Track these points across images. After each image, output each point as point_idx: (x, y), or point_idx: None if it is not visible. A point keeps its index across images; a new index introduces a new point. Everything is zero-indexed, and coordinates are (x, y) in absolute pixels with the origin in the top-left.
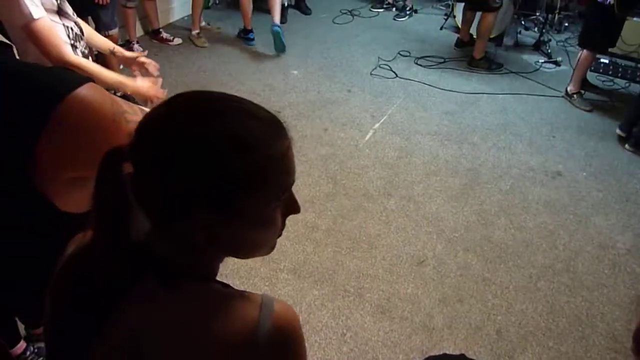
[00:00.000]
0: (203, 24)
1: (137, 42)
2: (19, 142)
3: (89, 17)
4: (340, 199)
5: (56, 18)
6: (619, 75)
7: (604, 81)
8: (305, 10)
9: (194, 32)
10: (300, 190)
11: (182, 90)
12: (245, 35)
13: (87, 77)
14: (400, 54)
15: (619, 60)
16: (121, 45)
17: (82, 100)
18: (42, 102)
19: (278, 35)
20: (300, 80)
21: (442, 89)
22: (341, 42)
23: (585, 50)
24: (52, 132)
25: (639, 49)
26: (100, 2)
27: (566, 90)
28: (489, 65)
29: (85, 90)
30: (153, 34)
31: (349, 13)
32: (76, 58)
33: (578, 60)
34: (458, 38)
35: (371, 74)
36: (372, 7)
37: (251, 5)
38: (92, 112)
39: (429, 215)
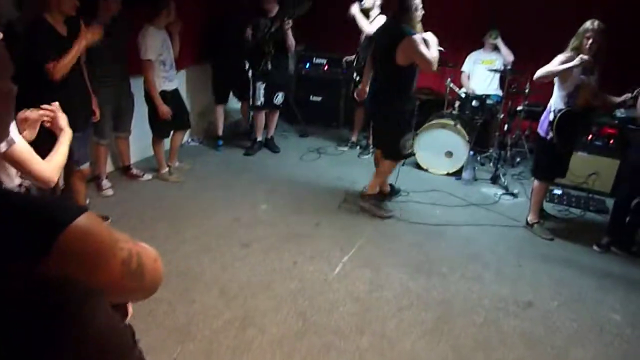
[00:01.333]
0: (177, 164)
1: (107, 178)
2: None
3: None
4: (310, 338)
5: None
6: (573, 205)
7: (560, 211)
8: (274, 149)
9: (163, 171)
10: (268, 328)
11: (148, 227)
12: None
13: (84, 207)
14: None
15: (571, 191)
16: (89, 180)
17: (82, 229)
18: (43, 232)
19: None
20: (269, 214)
21: (407, 221)
22: (309, 178)
23: (536, 181)
24: (51, 261)
25: (588, 180)
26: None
27: (526, 221)
28: (375, 205)
29: (84, 220)
30: (124, 170)
31: (315, 151)
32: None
33: (532, 191)
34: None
35: (338, 207)
36: (337, 145)
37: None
38: (92, 241)
39: (404, 353)
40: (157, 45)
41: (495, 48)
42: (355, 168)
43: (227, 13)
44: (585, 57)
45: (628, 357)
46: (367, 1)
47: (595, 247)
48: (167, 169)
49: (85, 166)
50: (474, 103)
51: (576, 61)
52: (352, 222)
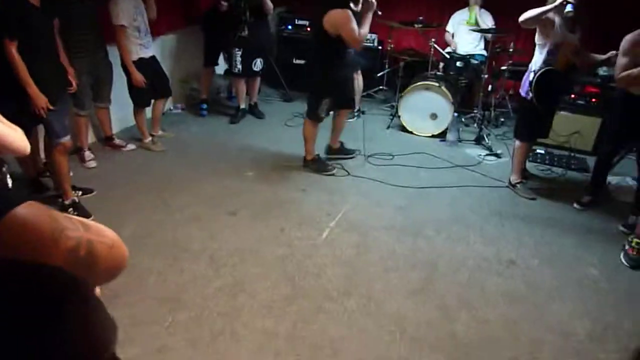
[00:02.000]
0: (160, 132)
1: (89, 149)
2: None
3: (40, 125)
4: (300, 302)
5: None
6: (555, 164)
7: (542, 170)
8: (259, 115)
9: (146, 141)
10: (258, 294)
11: (135, 199)
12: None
13: (24, 196)
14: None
15: (554, 151)
16: (72, 153)
17: (19, 219)
18: None
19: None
20: (256, 181)
21: (393, 185)
22: (294, 143)
23: (518, 142)
24: None
25: (570, 139)
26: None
27: (509, 181)
28: (317, 167)
29: (22, 210)
30: (106, 141)
31: (300, 116)
32: None
33: (514, 151)
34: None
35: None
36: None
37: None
38: (30, 231)
39: (390, 314)
40: (129, 10)
41: (479, 8)
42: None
43: None
44: None
45: (604, 308)
46: None
47: (575, 205)
48: (150, 138)
49: (66, 139)
50: (458, 64)
51: (558, 1)
52: (338, 185)
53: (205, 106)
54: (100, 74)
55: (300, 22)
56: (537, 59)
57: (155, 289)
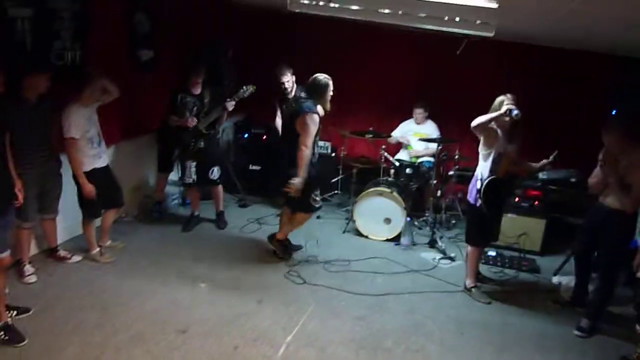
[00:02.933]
0: (108, 242)
1: (30, 263)
2: None
3: None
4: None
5: None
6: (507, 265)
7: (495, 272)
8: (220, 224)
9: (94, 252)
10: None
11: (76, 317)
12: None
13: None
14: (308, 260)
15: (505, 252)
16: (10, 266)
17: None
18: None
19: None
20: (209, 292)
21: (350, 292)
22: (250, 250)
23: (469, 247)
24: None
25: (519, 240)
26: None
27: (464, 285)
28: (283, 250)
29: None
30: (50, 252)
31: (256, 222)
32: None
33: (466, 255)
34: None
35: (280, 281)
36: (277, 214)
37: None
38: None
39: None
40: (81, 122)
41: (425, 120)
42: (296, 237)
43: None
44: (512, 105)
45: None
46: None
47: (576, 332)
48: (97, 249)
49: (5, 255)
50: (408, 170)
51: (504, 108)
52: (295, 297)
53: (158, 212)
54: (48, 185)
55: (257, 131)
56: (483, 168)
57: None
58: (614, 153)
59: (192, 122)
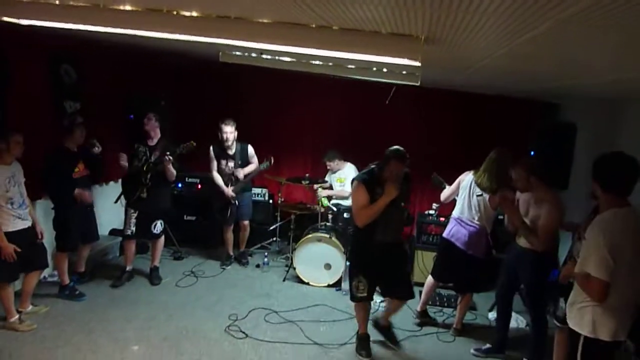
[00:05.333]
0: (30, 308)
1: None
2: None
3: None
4: None
5: None
6: (445, 304)
7: (435, 312)
8: (154, 280)
9: (12, 320)
10: None
11: None
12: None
13: None
14: (249, 312)
15: (441, 291)
16: None
17: None
18: None
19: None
20: (142, 356)
21: (293, 343)
22: (186, 305)
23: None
24: None
25: None
26: None
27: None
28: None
29: None
30: None
31: (192, 274)
32: None
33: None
34: None
35: (220, 337)
36: (221, 264)
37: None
38: None
39: None
40: (1, 182)
41: (342, 164)
42: (235, 290)
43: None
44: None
45: None
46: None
47: (472, 351)
48: (17, 316)
49: None
50: (345, 215)
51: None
52: (236, 354)
53: (74, 279)
54: None
55: (191, 180)
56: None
57: None
58: (519, 188)
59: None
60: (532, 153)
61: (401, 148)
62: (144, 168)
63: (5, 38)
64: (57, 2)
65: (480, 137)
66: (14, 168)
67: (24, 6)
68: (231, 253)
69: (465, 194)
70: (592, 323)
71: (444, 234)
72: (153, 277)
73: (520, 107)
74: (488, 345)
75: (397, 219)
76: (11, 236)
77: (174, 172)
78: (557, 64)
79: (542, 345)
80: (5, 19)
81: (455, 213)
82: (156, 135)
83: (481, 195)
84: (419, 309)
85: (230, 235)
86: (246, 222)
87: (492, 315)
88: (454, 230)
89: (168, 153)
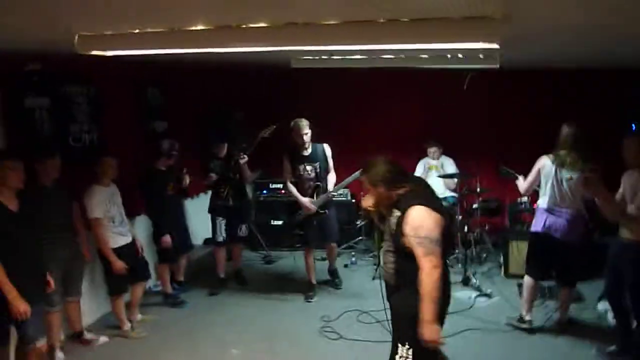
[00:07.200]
0: (139, 317)
1: (61, 349)
2: None
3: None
4: None
5: None
6: (547, 296)
7: (536, 304)
8: (243, 281)
9: (125, 328)
10: None
11: None
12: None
13: None
14: (342, 313)
15: (542, 282)
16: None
17: None
18: None
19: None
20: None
21: (388, 342)
22: (282, 308)
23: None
24: None
25: None
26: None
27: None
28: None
29: None
30: (75, 338)
31: (284, 278)
32: None
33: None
34: None
35: (315, 339)
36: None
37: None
38: None
39: None
40: (102, 203)
41: (439, 155)
42: (325, 289)
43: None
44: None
45: None
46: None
47: (594, 352)
48: (129, 324)
49: (42, 342)
50: None
51: None
52: (332, 355)
53: (177, 289)
54: (72, 267)
55: (274, 186)
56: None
57: None
58: (628, 164)
59: (211, 178)
60: (632, 126)
61: None
62: (226, 176)
63: (96, 70)
64: (137, 31)
65: (568, 115)
66: (111, 189)
67: (108, 38)
68: (314, 282)
69: (551, 181)
70: None
71: (536, 229)
72: (240, 279)
73: (609, 77)
74: (613, 347)
75: None
76: (115, 252)
77: (249, 172)
78: None
79: None
80: (94, 52)
81: (543, 203)
82: (223, 150)
83: (571, 179)
84: (525, 314)
85: (311, 262)
86: (334, 245)
87: (602, 305)
88: (550, 222)
89: (241, 154)
